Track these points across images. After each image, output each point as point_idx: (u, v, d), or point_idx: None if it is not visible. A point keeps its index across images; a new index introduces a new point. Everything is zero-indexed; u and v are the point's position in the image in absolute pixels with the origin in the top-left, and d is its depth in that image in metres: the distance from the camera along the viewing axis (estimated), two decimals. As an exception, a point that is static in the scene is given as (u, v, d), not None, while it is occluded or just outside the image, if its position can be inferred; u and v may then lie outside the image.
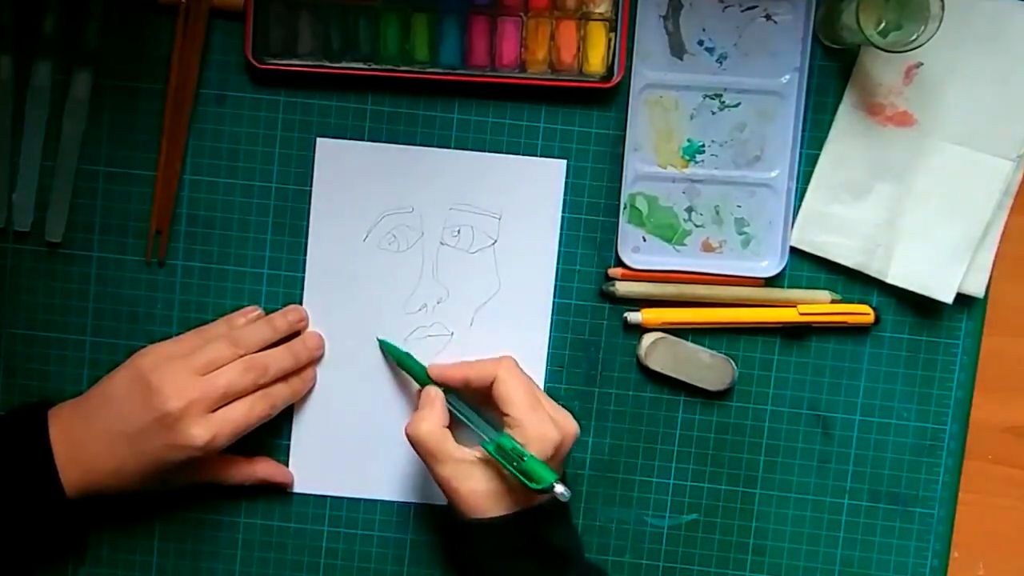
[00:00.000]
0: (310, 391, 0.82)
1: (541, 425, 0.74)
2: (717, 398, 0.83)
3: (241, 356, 0.77)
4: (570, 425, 0.76)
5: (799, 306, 0.81)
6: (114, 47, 0.81)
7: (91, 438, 0.74)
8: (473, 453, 0.75)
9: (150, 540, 0.84)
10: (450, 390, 0.78)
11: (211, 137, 0.82)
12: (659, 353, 0.81)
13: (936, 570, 0.84)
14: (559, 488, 0.72)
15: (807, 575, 0.84)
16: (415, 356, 0.81)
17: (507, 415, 0.75)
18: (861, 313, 0.82)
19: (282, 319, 0.80)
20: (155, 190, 0.81)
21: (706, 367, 0.82)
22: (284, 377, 0.79)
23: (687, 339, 0.82)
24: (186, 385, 0.74)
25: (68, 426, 0.75)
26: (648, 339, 0.81)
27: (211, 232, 0.82)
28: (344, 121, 0.82)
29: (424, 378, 0.79)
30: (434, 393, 0.78)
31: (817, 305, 0.81)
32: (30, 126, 0.80)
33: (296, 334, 0.81)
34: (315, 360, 0.82)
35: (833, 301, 0.82)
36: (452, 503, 0.76)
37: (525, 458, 0.72)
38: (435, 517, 0.84)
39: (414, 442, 0.75)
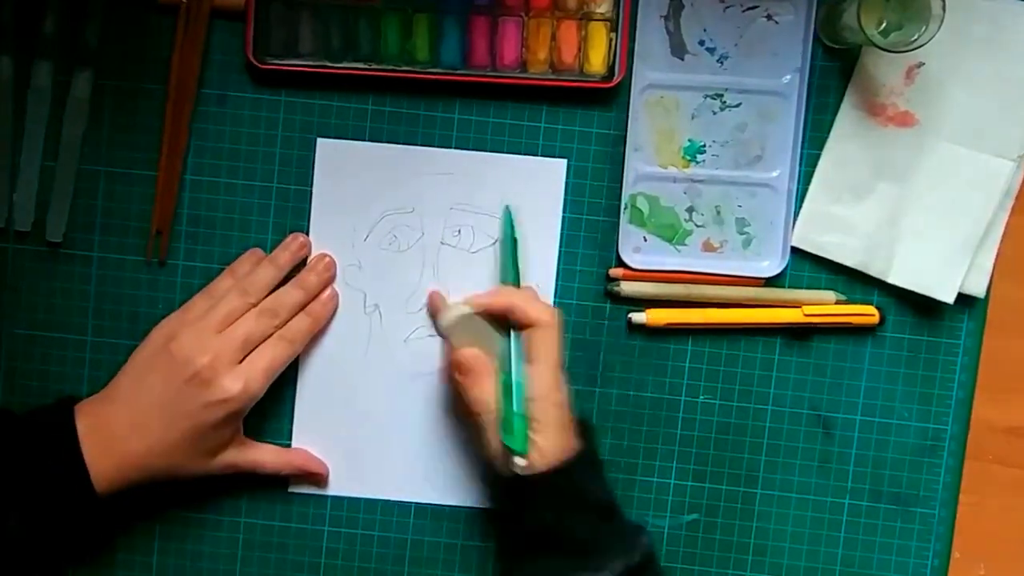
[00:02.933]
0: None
1: (552, 389, 0.75)
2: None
3: (253, 304, 0.77)
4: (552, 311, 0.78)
5: (804, 307, 0.81)
6: (114, 47, 0.81)
7: (122, 422, 0.74)
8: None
9: (150, 540, 0.84)
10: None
11: (211, 137, 0.82)
12: (459, 329, 0.78)
13: (937, 570, 0.84)
14: (519, 461, 0.73)
15: (808, 575, 0.84)
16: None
17: (530, 362, 0.75)
18: (866, 314, 0.82)
19: (284, 253, 0.80)
20: (155, 190, 0.81)
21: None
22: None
23: (687, 341, 0.82)
24: (206, 343, 0.74)
25: (95, 418, 0.75)
26: (450, 315, 0.78)
27: (211, 232, 0.82)
28: (344, 121, 0.81)
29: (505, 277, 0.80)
30: (485, 360, 0.76)
31: (822, 306, 0.81)
32: (30, 126, 0.80)
33: (305, 264, 0.81)
34: (328, 282, 0.81)
35: (838, 302, 0.82)
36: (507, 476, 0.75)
37: (515, 423, 0.74)
38: (435, 517, 0.84)
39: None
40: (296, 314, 0.79)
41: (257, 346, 0.77)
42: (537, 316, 0.76)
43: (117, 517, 0.81)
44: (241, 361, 0.75)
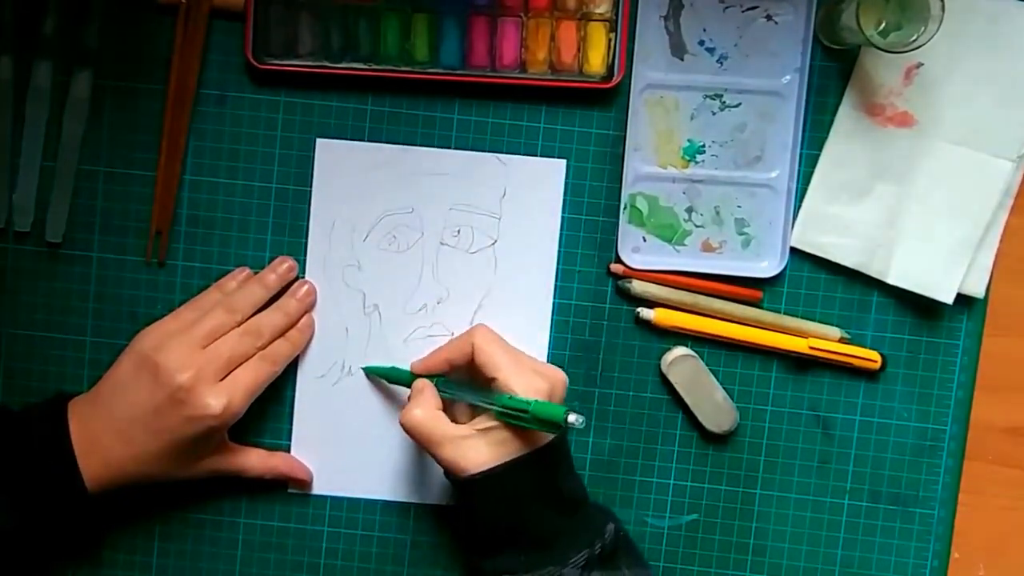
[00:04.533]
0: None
1: (528, 380, 0.74)
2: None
3: (239, 322, 0.78)
4: (557, 373, 0.76)
5: (810, 340, 0.81)
6: (114, 47, 0.81)
7: (106, 428, 0.75)
8: (471, 427, 0.75)
9: (150, 540, 0.84)
10: (440, 378, 0.78)
11: (211, 137, 0.82)
12: (680, 369, 0.81)
13: (936, 571, 0.84)
14: (572, 417, 0.71)
15: (807, 575, 0.84)
16: (401, 365, 0.82)
17: (494, 379, 0.75)
18: (869, 359, 0.82)
19: (272, 275, 0.81)
20: (155, 190, 0.81)
21: (714, 405, 0.82)
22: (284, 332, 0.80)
23: (687, 342, 0.82)
24: (191, 358, 0.75)
25: (85, 419, 0.75)
26: (677, 351, 0.82)
27: (211, 232, 0.82)
28: (344, 121, 0.82)
29: (411, 377, 0.80)
30: (422, 383, 0.78)
31: (827, 342, 0.81)
32: (30, 126, 0.80)
33: (291, 285, 0.82)
34: (308, 308, 0.82)
35: (842, 339, 0.82)
36: (458, 477, 0.75)
37: (531, 405, 0.72)
38: (435, 517, 0.84)
39: (409, 430, 0.75)
40: (278, 337, 0.80)
41: (239, 365, 0.77)
42: (468, 337, 0.77)
43: (112, 517, 0.82)
44: (223, 379, 0.76)
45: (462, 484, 0.74)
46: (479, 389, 0.77)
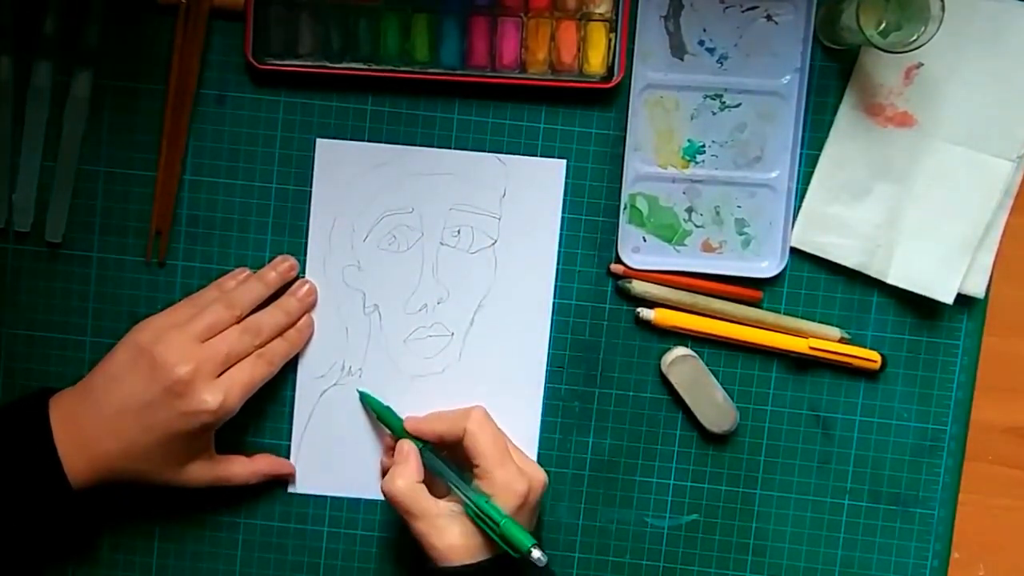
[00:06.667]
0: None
1: (508, 476, 0.75)
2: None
3: (238, 318, 0.77)
4: (538, 474, 0.77)
5: (810, 340, 0.81)
6: (114, 47, 0.81)
7: (95, 420, 0.74)
8: (449, 507, 0.75)
9: (150, 540, 0.84)
10: (425, 443, 0.79)
11: (211, 137, 0.82)
12: (680, 369, 0.81)
13: (936, 571, 0.84)
14: (536, 554, 0.72)
15: (807, 575, 0.84)
16: (395, 407, 0.82)
17: (476, 466, 0.75)
18: (868, 359, 0.82)
19: (272, 273, 0.81)
20: (155, 190, 0.81)
21: (714, 405, 0.82)
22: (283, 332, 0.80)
23: (687, 342, 0.82)
24: (190, 352, 0.74)
25: (70, 412, 0.74)
26: (677, 351, 0.82)
27: (211, 232, 0.82)
28: (344, 121, 0.82)
29: (401, 431, 0.80)
30: (408, 448, 0.78)
31: (827, 342, 0.81)
32: (30, 126, 0.80)
33: (290, 284, 0.82)
34: (309, 308, 0.82)
35: (842, 339, 0.82)
36: (427, 553, 0.75)
37: (501, 523, 0.72)
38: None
39: (390, 498, 0.76)
40: (276, 336, 0.80)
41: (236, 362, 0.77)
42: (463, 419, 0.77)
43: (112, 517, 0.82)
44: (220, 375, 0.75)
45: (428, 571, 0.75)
46: (458, 470, 0.77)
